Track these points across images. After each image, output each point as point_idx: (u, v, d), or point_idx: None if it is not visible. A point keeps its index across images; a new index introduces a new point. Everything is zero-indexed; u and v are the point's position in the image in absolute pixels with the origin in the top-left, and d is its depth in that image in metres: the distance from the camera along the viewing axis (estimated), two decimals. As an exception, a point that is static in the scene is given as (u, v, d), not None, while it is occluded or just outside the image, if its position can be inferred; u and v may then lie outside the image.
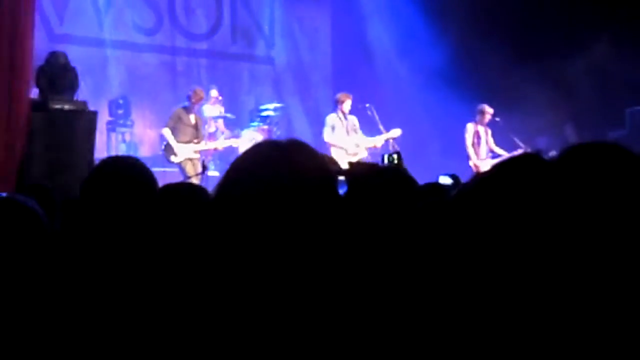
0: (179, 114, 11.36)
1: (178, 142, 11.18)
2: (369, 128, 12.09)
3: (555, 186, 1.64)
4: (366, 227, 2.56)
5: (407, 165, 11.34)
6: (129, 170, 2.80)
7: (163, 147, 11.38)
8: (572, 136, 12.47)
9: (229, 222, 1.71)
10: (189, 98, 11.41)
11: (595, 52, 12.23)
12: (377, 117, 12.06)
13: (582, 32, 12.09)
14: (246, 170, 1.77)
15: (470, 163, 12.08)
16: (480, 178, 1.93)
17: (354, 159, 11.44)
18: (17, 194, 2.93)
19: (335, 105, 11.93)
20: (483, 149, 12.23)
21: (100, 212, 2.70)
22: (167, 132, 11.27)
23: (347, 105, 11.77)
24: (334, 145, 11.75)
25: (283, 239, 1.67)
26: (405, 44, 14.37)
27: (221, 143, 12.09)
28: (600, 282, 1.54)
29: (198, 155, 11.38)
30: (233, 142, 12.07)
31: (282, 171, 1.72)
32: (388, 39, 14.76)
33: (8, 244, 2.47)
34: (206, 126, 12.93)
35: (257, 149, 1.82)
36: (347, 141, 11.76)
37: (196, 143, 11.34)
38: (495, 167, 1.71)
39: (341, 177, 2.49)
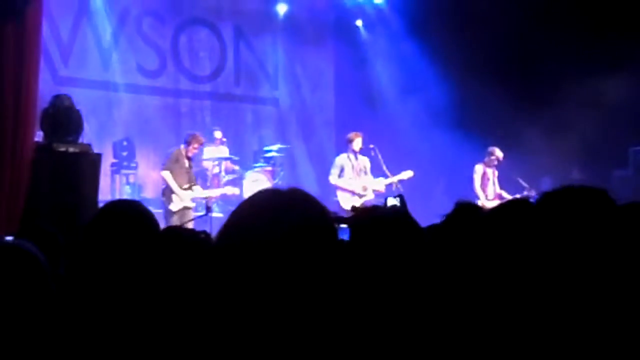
0: (177, 156, 10.98)
1: None
2: (372, 169, 12.09)
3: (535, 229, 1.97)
4: (368, 274, 2.56)
5: (411, 206, 11.38)
6: (131, 215, 2.80)
7: (162, 190, 11.16)
8: (578, 178, 12.46)
9: (229, 269, 1.71)
10: (187, 142, 11.07)
11: (600, 91, 12.26)
12: (381, 159, 12.07)
13: (586, 72, 12.12)
14: (247, 217, 1.78)
15: (479, 203, 12.04)
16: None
17: (360, 201, 11.43)
18: (21, 239, 2.91)
19: (346, 145, 11.92)
20: (490, 190, 12.30)
21: (104, 256, 2.70)
22: (167, 175, 10.81)
23: (357, 143, 11.73)
24: (339, 188, 11.73)
25: (281, 286, 1.68)
26: (407, 86, 14.45)
27: (217, 191, 11.87)
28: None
29: (194, 204, 11.14)
30: (228, 190, 11.84)
31: (282, 220, 1.73)
32: (390, 81, 14.85)
33: (10, 292, 2.46)
34: (210, 168, 12.94)
35: (258, 196, 1.83)
36: (354, 183, 11.71)
37: (191, 189, 11.07)
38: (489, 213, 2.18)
39: (343, 225, 2.50)
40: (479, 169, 12.27)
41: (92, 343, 2.41)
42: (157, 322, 2.37)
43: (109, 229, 2.74)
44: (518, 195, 11.28)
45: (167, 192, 10.88)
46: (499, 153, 12.25)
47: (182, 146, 11.08)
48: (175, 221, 10.44)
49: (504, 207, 3.12)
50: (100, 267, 2.69)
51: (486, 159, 12.32)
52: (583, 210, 2.02)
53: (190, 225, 9.69)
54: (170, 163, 10.94)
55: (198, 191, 11.17)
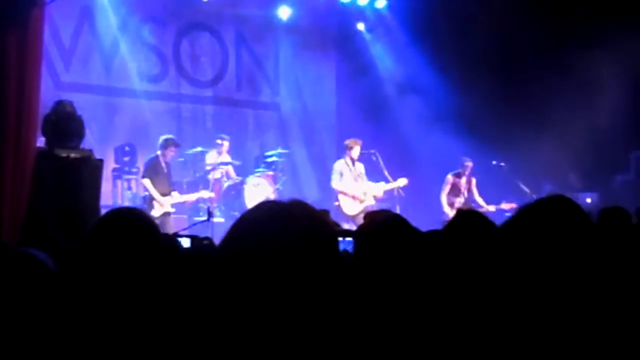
0: (155, 163, 11.15)
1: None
2: (373, 174, 12.12)
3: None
4: (370, 285, 2.58)
5: (412, 210, 11.48)
6: (132, 223, 2.80)
7: (143, 197, 11.30)
8: (575, 182, 12.50)
9: (231, 280, 1.72)
10: (162, 147, 11.20)
11: (601, 96, 12.27)
12: (382, 164, 12.10)
13: (587, 77, 12.13)
14: (249, 229, 1.78)
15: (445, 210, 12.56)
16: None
17: (361, 206, 11.49)
18: (28, 246, 2.93)
19: (344, 151, 11.97)
20: (461, 199, 12.67)
21: (104, 263, 2.71)
22: (148, 183, 11.03)
23: (355, 151, 11.83)
24: (341, 193, 11.77)
25: (283, 297, 1.68)
26: (409, 90, 14.45)
27: (193, 196, 11.84)
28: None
29: (174, 210, 11.25)
30: (204, 194, 11.92)
31: (284, 231, 1.73)
32: (392, 86, 14.85)
33: (19, 297, 2.47)
34: (212, 172, 12.95)
35: (260, 207, 1.84)
36: (355, 188, 11.77)
37: (170, 195, 11.18)
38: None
39: (348, 238, 2.52)
40: (448, 179, 12.71)
41: (95, 349, 2.42)
42: (158, 330, 2.38)
43: (110, 237, 2.75)
44: (493, 208, 12.11)
45: (148, 199, 11.08)
46: (468, 163, 12.67)
47: (159, 152, 11.18)
48: (168, 226, 10.60)
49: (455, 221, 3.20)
50: (101, 276, 2.69)
51: (459, 170, 12.69)
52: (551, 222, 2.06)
53: (171, 231, 9.73)
54: (148, 171, 11.15)
55: (177, 197, 11.35)
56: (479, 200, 12.62)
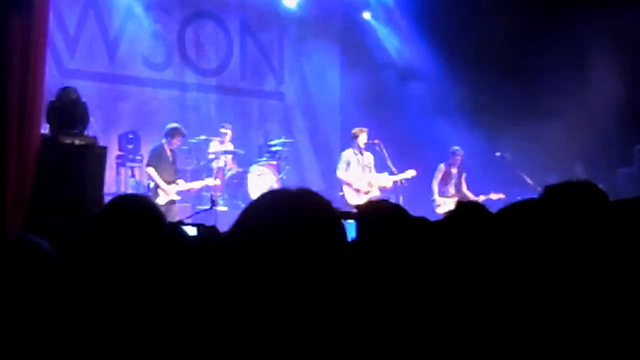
0: (160, 151, 11.16)
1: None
2: (377, 164, 12.10)
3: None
4: (375, 269, 2.58)
5: (415, 200, 11.51)
6: (138, 210, 2.79)
7: (147, 186, 11.34)
8: (580, 173, 12.49)
9: (239, 267, 1.72)
10: (168, 135, 11.20)
11: (606, 89, 12.24)
12: (386, 154, 12.08)
13: (593, 70, 12.11)
14: (257, 217, 1.79)
15: (434, 199, 12.71)
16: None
17: (365, 198, 11.48)
18: (29, 234, 2.92)
19: (351, 140, 11.97)
20: (452, 188, 12.84)
21: (109, 249, 2.71)
22: (152, 171, 11.06)
23: (362, 139, 11.81)
24: (346, 183, 11.76)
25: (291, 283, 1.68)
26: (414, 80, 14.42)
27: (198, 183, 11.87)
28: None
29: (179, 197, 11.28)
30: (209, 182, 11.94)
31: (292, 218, 1.73)
32: (397, 76, 14.82)
33: (21, 283, 2.47)
34: (215, 160, 12.96)
35: (268, 196, 1.84)
36: (361, 179, 11.75)
37: (175, 183, 11.21)
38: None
39: (350, 220, 2.52)
40: (440, 167, 12.81)
41: (98, 337, 2.42)
42: (163, 318, 2.38)
43: (116, 224, 2.74)
44: (482, 197, 12.13)
45: (153, 187, 11.11)
46: (460, 152, 12.78)
47: (164, 140, 11.19)
48: (173, 213, 10.61)
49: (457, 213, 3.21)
50: (106, 262, 2.69)
51: (450, 160, 12.77)
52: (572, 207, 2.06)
53: (176, 218, 9.75)
54: (153, 159, 11.15)
55: (182, 184, 11.35)
56: (468, 193, 12.71)
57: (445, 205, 12.24)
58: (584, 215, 2.02)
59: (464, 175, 12.91)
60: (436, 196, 12.66)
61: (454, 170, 12.82)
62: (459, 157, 12.77)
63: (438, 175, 12.75)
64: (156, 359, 2.33)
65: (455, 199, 12.21)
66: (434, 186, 12.71)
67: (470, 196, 12.54)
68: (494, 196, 12.33)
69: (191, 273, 2.62)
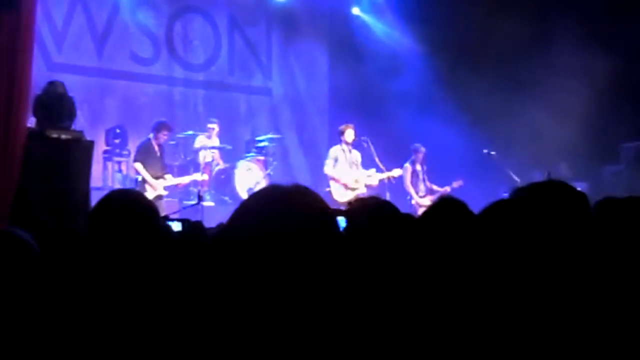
0: (147, 146, 11.15)
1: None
2: (364, 161, 12.12)
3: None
4: (365, 264, 2.60)
5: (402, 197, 11.55)
6: (133, 205, 2.80)
7: (135, 180, 11.33)
8: (566, 172, 12.54)
9: (233, 265, 1.73)
10: (155, 129, 11.21)
11: (592, 87, 12.29)
12: (373, 151, 12.11)
13: (578, 66, 12.14)
14: (251, 214, 1.79)
15: (413, 202, 12.69)
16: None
17: (352, 194, 11.50)
18: (13, 227, 2.92)
19: (338, 136, 11.98)
20: (422, 186, 12.89)
21: (106, 246, 2.71)
22: (139, 166, 11.05)
23: (348, 135, 11.82)
24: (333, 179, 11.78)
25: (286, 280, 1.69)
26: (402, 75, 14.42)
27: (187, 178, 11.85)
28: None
29: (167, 192, 11.27)
30: (197, 177, 11.95)
31: (286, 215, 1.74)
32: (385, 72, 14.82)
33: (3, 276, 2.47)
34: (202, 156, 12.94)
35: (262, 193, 1.85)
36: (348, 176, 11.78)
37: (163, 177, 11.21)
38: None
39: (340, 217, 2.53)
40: (407, 167, 12.76)
41: (93, 333, 2.42)
42: (160, 315, 2.39)
43: (112, 218, 2.74)
44: (448, 188, 12.53)
45: (141, 182, 11.09)
46: (422, 149, 12.83)
47: (151, 135, 11.18)
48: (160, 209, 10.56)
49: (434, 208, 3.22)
50: (103, 258, 2.69)
51: (413, 157, 12.84)
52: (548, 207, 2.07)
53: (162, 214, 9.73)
54: (140, 154, 11.14)
55: (170, 179, 11.35)
56: (432, 185, 12.87)
57: (423, 204, 12.27)
58: (549, 214, 2.04)
59: (425, 169, 12.96)
60: (415, 197, 12.67)
61: (419, 167, 12.84)
62: (420, 154, 12.81)
63: (407, 176, 12.71)
64: (149, 355, 2.33)
65: (428, 198, 12.49)
66: (409, 188, 12.71)
67: (437, 188, 12.76)
68: (455, 184, 12.51)
69: (178, 269, 2.63)
